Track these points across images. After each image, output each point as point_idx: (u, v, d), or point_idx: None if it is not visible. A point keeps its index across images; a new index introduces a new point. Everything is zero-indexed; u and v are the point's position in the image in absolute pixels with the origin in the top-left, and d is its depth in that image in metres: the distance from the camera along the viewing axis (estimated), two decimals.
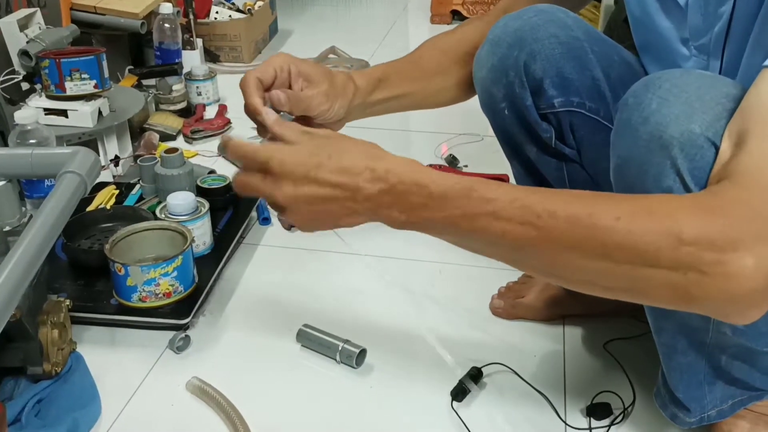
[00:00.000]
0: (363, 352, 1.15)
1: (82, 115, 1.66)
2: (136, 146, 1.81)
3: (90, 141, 1.71)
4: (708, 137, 0.70)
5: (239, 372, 1.14)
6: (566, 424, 1.04)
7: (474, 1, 2.90)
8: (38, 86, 1.70)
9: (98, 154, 1.28)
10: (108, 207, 1.46)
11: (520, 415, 1.06)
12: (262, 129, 0.82)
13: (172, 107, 2.03)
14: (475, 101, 1.09)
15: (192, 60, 2.22)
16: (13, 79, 1.74)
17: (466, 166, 1.77)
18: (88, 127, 1.67)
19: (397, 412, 1.07)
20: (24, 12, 1.80)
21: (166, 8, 2.08)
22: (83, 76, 1.64)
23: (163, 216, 1.31)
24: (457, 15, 2.96)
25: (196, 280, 1.25)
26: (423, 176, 0.69)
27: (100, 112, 1.69)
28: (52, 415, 1.02)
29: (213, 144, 1.89)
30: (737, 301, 0.62)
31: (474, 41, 1.06)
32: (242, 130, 1.94)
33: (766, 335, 0.81)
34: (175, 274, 1.19)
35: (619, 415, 1.05)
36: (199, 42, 2.32)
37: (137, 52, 2.28)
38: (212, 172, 1.62)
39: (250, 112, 0.84)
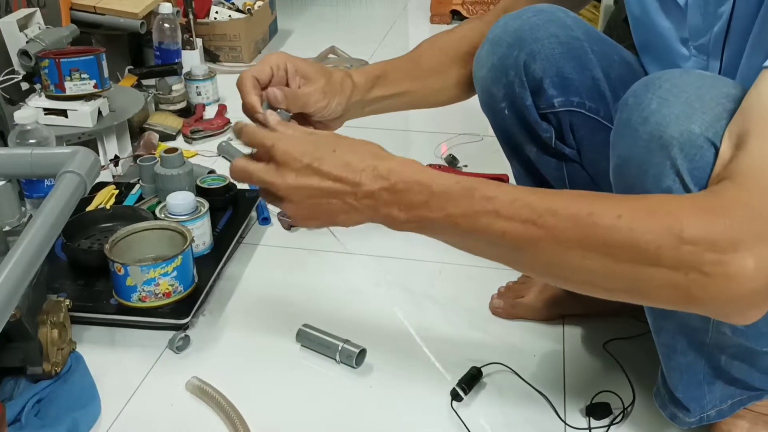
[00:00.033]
0: (363, 352, 1.15)
1: (82, 115, 1.66)
2: (136, 146, 1.81)
3: (90, 141, 1.71)
4: (708, 137, 0.70)
5: (239, 372, 1.14)
6: (566, 423, 1.04)
7: (474, 1, 2.90)
8: (38, 86, 1.70)
9: (98, 154, 1.27)
10: (108, 207, 1.46)
11: (520, 414, 1.06)
12: (261, 127, 0.82)
13: (172, 107, 2.03)
14: (474, 101, 1.09)
15: (192, 60, 2.23)
16: (13, 79, 1.74)
17: (465, 166, 1.77)
18: (88, 127, 1.67)
19: (397, 412, 1.07)
20: (24, 12, 1.80)
21: (166, 8, 2.08)
22: (83, 76, 1.64)
23: (162, 216, 1.31)
24: (456, 15, 2.96)
25: (196, 280, 1.25)
26: (424, 176, 0.70)
27: (99, 112, 1.69)
28: (52, 415, 1.02)
29: (213, 144, 1.89)
30: (738, 301, 0.62)
31: (474, 41, 1.06)
32: None
33: (766, 335, 0.81)
34: (174, 274, 1.19)
35: (619, 414, 1.05)
36: (198, 42, 2.32)
37: (137, 52, 2.28)
38: (212, 172, 1.62)
39: (248, 110, 0.84)
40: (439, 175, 0.70)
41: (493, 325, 1.25)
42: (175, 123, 1.95)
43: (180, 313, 1.20)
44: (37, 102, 1.67)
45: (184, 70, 2.10)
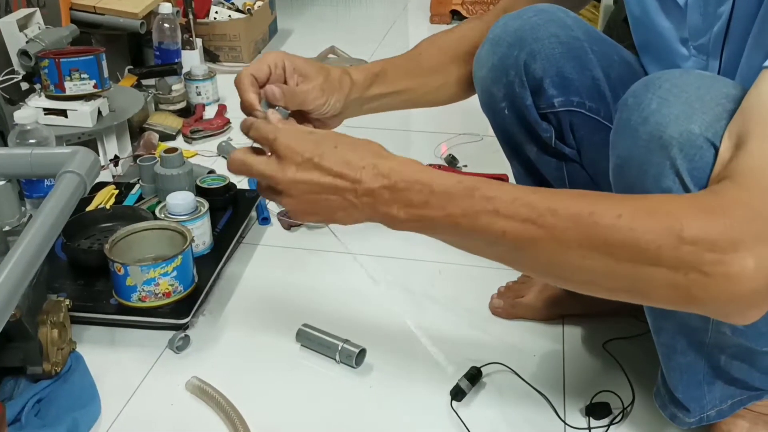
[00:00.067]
0: (363, 352, 1.15)
1: (82, 115, 1.66)
2: (136, 146, 1.81)
3: (89, 141, 1.71)
4: (707, 138, 0.70)
5: (239, 372, 1.14)
6: (565, 423, 1.04)
7: (474, 1, 2.90)
8: (38, 86, 1.70)
9: (98, 154, 1.27)
10: (107, 207, 1.46)
11: (520, 414, 1.06)
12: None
13: (172, 107, 2.03)
14: (474, 101, 1.09)
15: (191, 60, 2.22)
16: (13, 79, 1.74)
17: (465, 165, 1.77)
18: (88, 127, 1.67)
19: (397, 412, 1.07)
20: (23, 12, 1.80)
21: (166, 8, 2.08)
22: (83, 75, 1.64)
23: (162, 216, 1.31)
24: (456, 15, 2.96)
25: (196, 279, 1.25)
26: (425, 175, 0.70)
27: (99, 112, 1.69)
28: (52, 415, 1.02)
29: (212, 144, 1.89)
30: (738, 301, 0.62)
31: (473, 40, 1.06)
32: None
33: (765, 335, 0.81)
34: (174, 273, 1.19)
35: (619, 414, 1.05)
36: (198, 42, 2.32)
37: (137, 52, 2.28)
38: (212, 171, 1.62)
39: (246, 108, 0.84)
40: (440, 175, 0.70)
41: (493, 325, 1.25)
42: (174, 123, 1.95)
43: (180, 313, 1.20)
44: (37, 102, 1.67)
45: (184, 70, 2.10)
